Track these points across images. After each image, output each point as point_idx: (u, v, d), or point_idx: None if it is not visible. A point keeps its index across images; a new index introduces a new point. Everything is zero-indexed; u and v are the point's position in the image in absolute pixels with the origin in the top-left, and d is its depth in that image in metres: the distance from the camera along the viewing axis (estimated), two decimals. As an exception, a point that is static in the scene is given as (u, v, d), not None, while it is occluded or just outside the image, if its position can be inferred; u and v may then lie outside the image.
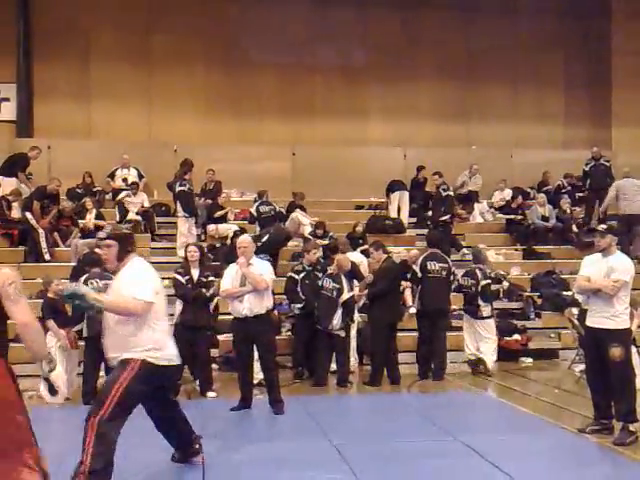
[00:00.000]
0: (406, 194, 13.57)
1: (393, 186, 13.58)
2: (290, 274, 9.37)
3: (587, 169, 13.87)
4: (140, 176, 13.82)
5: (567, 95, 16.37)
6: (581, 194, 14.53)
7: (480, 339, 9.38)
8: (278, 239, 11.01)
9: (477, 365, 9.41)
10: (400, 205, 13.51)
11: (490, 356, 9.39)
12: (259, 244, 10.20)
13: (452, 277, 9.41)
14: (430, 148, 15.19)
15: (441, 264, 9.16)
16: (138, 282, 4.57)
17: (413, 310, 9.55)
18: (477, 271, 9.42)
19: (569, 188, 14.76)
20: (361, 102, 15.53)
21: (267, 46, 15.07)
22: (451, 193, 13.02)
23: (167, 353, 4.72)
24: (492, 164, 14.92)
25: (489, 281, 9.44)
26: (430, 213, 13.26)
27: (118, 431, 4.44)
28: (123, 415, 4.50)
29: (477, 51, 15.95)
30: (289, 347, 9.48)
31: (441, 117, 15.67)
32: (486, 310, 9.31)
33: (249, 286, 6.90)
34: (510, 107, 16.08)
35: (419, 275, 9.09)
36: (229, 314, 7.36)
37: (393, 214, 13.44)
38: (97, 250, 8.46)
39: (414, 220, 13.50)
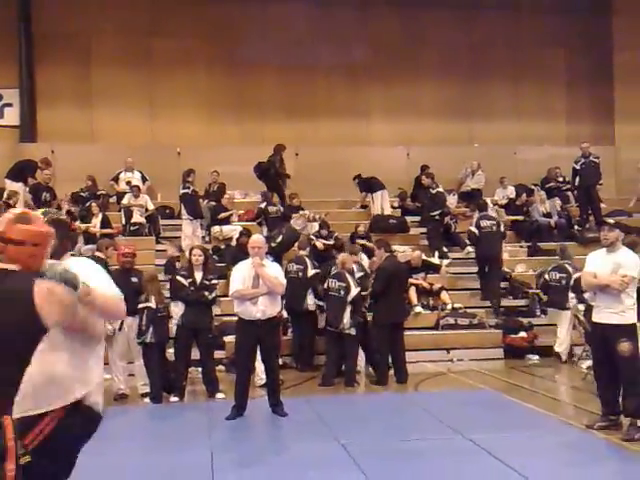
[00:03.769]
0: (386, 193, 13.63)
1: (374, 186, 13.60)
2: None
3: (577, 167, 13.61)
4: (144, 179, 13.85)
5: (569, 91, 16.35)
6: (569, 192, 14.37)
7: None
8: (291, 240, 11.00)
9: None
10: (383, 204, 13.53)
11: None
12: (274, 245, 10.22)
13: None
14: (433, 147, 15.18)
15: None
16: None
17: (419, 309, 9.59)
18: (567, 265, 9.93)
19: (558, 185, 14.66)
20: (363, 101, 15.53)
21: (269, 47, 15.08)
22: (441, 190, 13.01)
23: None
24: (495, 162, 14.90)
25: (580, 274, 9.44)
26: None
27: None
28: None
29: (479, 49, 15.93)
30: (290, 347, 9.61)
31: (443, 115, 15.66)
32: (572, 302, 9.50)
33: (264, 288, 6.67)
34: (512, 104, 16.06)
35: None
36: (234, 315, 7.29)
37: (377, 212, 13.44)
38: (97, 254, 8.51)
39: (418, 219, 13.48)
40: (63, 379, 2.84)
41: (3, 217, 2.64)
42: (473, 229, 11.68)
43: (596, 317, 6.26)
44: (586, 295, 8.28)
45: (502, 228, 11.86)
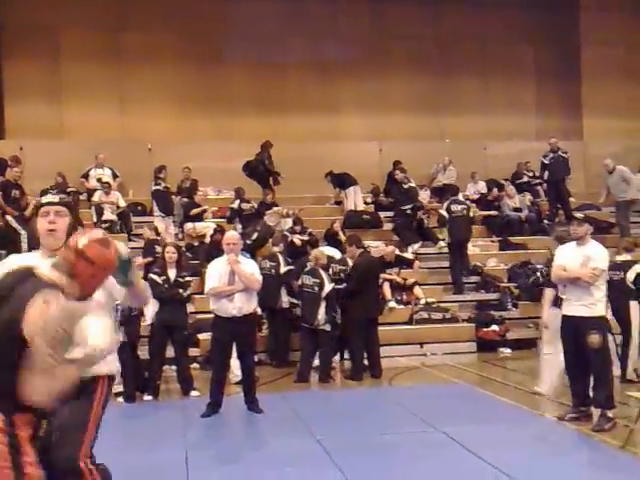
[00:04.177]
0: (359, 189, 13.69)
1: (347, 181, 13.66)
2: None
3: (546, 161, 13.79)
4: (114, 175, 13.69)
5: (538, 87, 16.53)
6: (538, 187, 14.55)
7: None
8: (266, 237, 10.98)
9: None
10: (355, 200, 13.59)
11: None
12: (249, 242, 10.20)
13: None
14: (405, 142, 15.24)
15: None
16: None
17: (393, 304, 9.65)
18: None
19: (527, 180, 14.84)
20: (334, 97, 15.54)
21: (239, 42, 15.02)
22: (413, 185, 13.11)
23: None
24: (466, 157, 15.02)
25: None
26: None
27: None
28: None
29: (447, 44, 16.03)
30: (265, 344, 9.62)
31: (414, 111, 15.73)
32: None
33: (240, 285, 6.67)
34: (482, 100, 16.19)
35: None
36: (208, 312, 7.28)
37: (350, 208, 13.49)
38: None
39: (391, 214, 13.55)
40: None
41: (87, 233, 2.70)
42: (443, 212, 12.04)
43: (566, 310, 6.36)
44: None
45: (472, 213, 12.37)
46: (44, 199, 3.29)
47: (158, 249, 9.42)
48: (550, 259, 7.54)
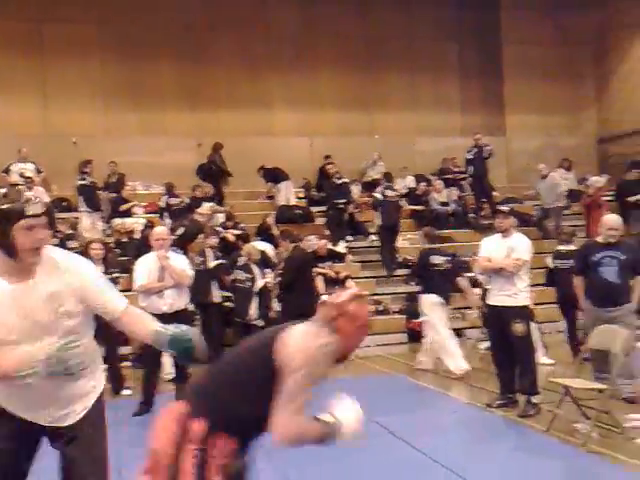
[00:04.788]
0: (291, 183, 13.78)
1: (279, 176, 13.71)
2: None
3: (470, 156, 14.19)
4: (38, 170, 13.22)
5: (462, 84, 16.91)
6: (464, 181, 14.91)
7: None
8: (194, 232, 10.85)
9: None
10: (287, 195, 13.66)
11: None
12: (174, 237, 10.07)
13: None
14: (335, 137, 15.37)
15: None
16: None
17: (325, 297, 9.72)
18: None
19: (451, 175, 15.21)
20: (265, 92, 15.48)
21: (166, 35, 14.74)
22: (347, 180, 13.27)
23: None
24: (395, 152, 15.26)
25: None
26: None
27: None
28: None
29: (375, 41, 16.17)
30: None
31: (344, 106, 15.86)
32: None
33: (170, 281, 6.60)
34: (410, 96, 16.46)
35: None
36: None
37: (282, 203, 13.55)
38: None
39: (323, 209, 13.65)
40: None
41: (346, 290, 2.83)
42: (378, 195, 12.37)
43: (492, 300, 6.59)
44: (480, 278, 8.76)
45: (401, 200, 13.06)
46: (28, 209, 2.66)
47: (71, 244, 9.17)
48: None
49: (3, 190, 2.77)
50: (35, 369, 2.63)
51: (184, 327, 2.84)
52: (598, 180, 14.15)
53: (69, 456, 2.90)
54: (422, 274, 8.60)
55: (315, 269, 9.66)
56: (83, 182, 11.87)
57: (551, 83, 16.58)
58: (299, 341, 2.55)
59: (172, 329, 2.80)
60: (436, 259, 8.40)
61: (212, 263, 9.60)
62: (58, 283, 2.73)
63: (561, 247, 8.75)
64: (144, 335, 2.87)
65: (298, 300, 8.70)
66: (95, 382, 3.01)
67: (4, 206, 2.62)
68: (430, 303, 8.21)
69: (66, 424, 2.89)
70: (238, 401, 2.57)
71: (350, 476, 4.88)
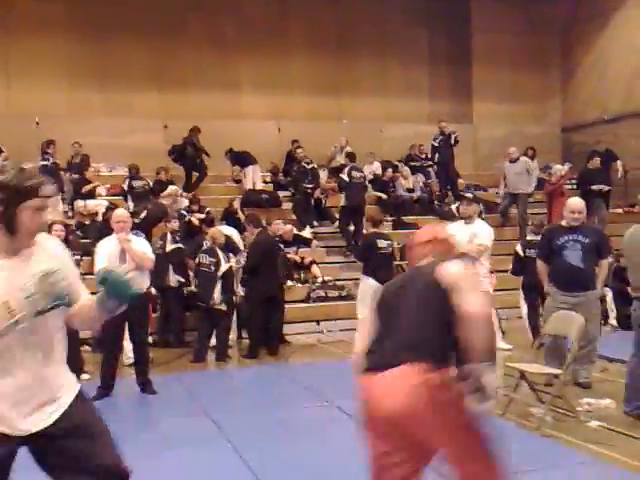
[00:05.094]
0: (258, 167, 13.71)
1: (246, 160, 13.63)
2: None
3: (436, 144, 14.24)
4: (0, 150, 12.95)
5: (431, 71, 16.97)
6: (430, 168, 14.95)
7: None
8: (157, 216, 10.72)
9: None
10: (254, 179, 13.60)
11: None
12: (137, 220, 9.96)
13: None
14: (304, 121, 15.30)
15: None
16: None
17: (290, 282, 9.76)
18: None
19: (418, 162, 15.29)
20: (234, 75, 15.34)
21: (134, 15, 14.47)
22: (315, 165, 13.26)
23: None
24: (363, 138, 15.25)
25: None
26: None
27: None
28: None
29: (347, 26, 16.13)
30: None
31: (314, 91, 15.80)
32: None
33: (131, 264, 6.46)
34: (379, 82, 16.46)
35: None
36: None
37: (249, 187, 13.49)
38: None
39: (290, 193, 13.61)
40: None
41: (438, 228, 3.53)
42: (344, 177, 12.30)
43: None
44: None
45: (367, 183, 13.01)
46: (43, 189, 2.52)
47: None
48: None
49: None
50: (18, 315, 2.50)
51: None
52: (561, 168, 14.32)
53: (75, 447, 2.68)
54: (366, 257, 8.80)
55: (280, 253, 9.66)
56: (45, 162, 11.65)
57: (519, 72, 16.72)
58: (452, 267, 2.96)
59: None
60: (381, 243, 8.65)
61: (169, 247, 9.55)
62: (48, 263, 2.61)
63: (530, 237, 8.83)
64: (90, 306, 2.73)
65: (262, 285, 8.72)
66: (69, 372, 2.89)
67: (28, 182, 2.47)
68: (368, 286, 8.23)
69: (53, 419, 2.68)
70: (439, 334, 2.86)
71: (310, 459, 4.90)
